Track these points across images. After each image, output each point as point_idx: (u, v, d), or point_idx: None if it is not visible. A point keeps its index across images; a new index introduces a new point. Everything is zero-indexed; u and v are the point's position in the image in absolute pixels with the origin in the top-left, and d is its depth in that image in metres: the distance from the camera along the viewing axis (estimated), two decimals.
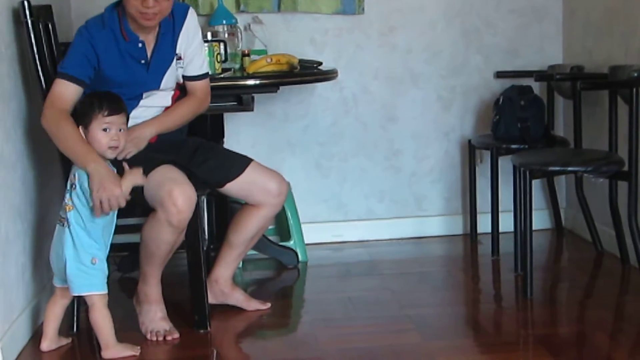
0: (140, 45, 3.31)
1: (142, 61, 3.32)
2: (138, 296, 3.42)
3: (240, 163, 3.48)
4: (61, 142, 3.15)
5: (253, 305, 3.61)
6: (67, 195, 3.10)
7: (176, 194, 3.13)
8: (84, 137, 3.10)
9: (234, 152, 3.59)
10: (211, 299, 3.47)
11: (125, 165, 3.14)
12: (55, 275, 3.17)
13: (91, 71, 3.23)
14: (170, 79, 3.42)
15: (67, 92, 3.18)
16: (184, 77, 3.47)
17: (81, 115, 3.12)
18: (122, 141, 3.14)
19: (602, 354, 3.08)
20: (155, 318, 3.35)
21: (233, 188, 3.45)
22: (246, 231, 3.52)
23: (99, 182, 3.02)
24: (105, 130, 3.09)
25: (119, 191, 3.03)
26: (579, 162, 3.74)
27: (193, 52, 3.45)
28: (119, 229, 3.50)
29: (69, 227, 3.06)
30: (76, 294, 3.12)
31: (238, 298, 3.60)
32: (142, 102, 3.36)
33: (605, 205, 4.07)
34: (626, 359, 3.04)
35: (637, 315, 3.46)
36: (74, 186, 3.08)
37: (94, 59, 3.22)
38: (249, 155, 3.56)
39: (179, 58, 3.42)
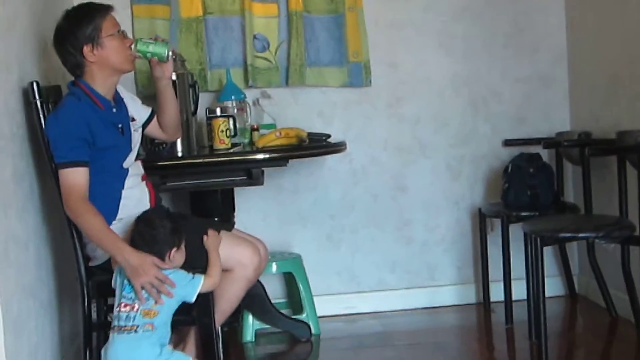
0: (114, 110, 3.35)
1: (120, 125, 3.36)
2: None
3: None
4: (88, 233, 3.19)
5: None
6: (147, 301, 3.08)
7: (255, 252, 3.38)
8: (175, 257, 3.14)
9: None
10: None
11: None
12: None
13: (88, 149, 3.21)
14: (135, 140, 3.43)
15: (77, 179, 3.17)
16: (144, 126, 3.55)
17: (177, 237, 3.15)
18: None
19: None
20: None
21: None
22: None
23: (132, 270, 3.07)
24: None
25: (154, 271, 3.06)
26: (590, 228, 3.73)
27: (135, 105, 3.53)
28: None
29: (147, 330, 3.03)
30: None
31: None
32: (130, 173, 3.37)
33: (618, 270, 4.05)
34: None
35: None
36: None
37: (88, 135, 3.20)
38: (260, 229, 3.54)
39: (133, 119, 3.46)
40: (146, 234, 3.11)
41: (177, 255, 3.15)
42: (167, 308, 3.06)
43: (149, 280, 3.06)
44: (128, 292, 3.09)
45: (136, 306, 3.05)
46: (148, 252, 3.09)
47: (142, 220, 3.16)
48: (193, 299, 3.10)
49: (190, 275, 3.12)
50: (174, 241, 3.13)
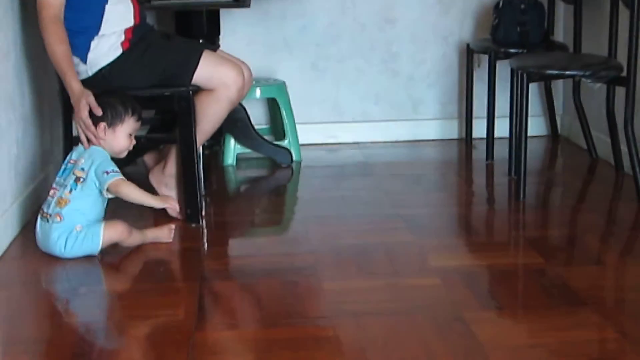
0: None
1: None
2: (166, 178, 3.47)
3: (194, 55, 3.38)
4: (49, 55, 3.16)
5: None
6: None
7: (239, 73, 3.33)
8: (104, 132, 3.08)
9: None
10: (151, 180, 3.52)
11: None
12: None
13: None
14: None
15: None
16: None
17: (111, 114, 3.09)
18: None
19: (592, 256, 3.09)
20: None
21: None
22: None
23: (73, 104, 3.13)
24: (130, 135, 3.14)
25: (84, 113, 3.07)
26: (578, 66, 3.70)
27: None
28: None
29: (55, 222, 2.99)
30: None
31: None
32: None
33: (602, 113, 4.04)
34: (615, 261, 3.07)
35: (628, 220, 3.47)
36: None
37: None
38: (245, 54, 3.52)
39: None
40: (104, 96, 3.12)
41: (109, 134, 3.09)
42: (78, 197, 3.00)
43: (78, 119, 3.10)
44: (59, 176, 3.09)
45: (57, 192, 3.03)
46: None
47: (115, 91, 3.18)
48: (104, 192, 3.01)
49: (112, 169, 3.03)
50: (111, 116, 3.09)
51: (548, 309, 2.59)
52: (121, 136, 3.12)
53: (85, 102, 3.08)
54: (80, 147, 3.12)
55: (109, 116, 3.09)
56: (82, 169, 3.03)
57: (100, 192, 3.02)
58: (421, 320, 2.51)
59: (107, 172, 3.00)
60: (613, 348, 2.38)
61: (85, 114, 3.07)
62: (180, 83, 3.30)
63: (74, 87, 3.12)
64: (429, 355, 2.28)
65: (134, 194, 3.05)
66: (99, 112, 3.07)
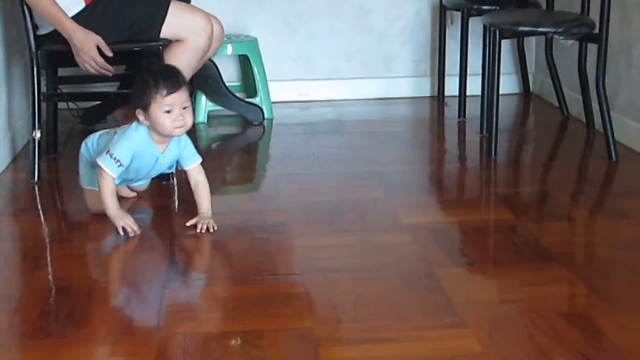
0: None
1: None
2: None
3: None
4: (35, 9, 3.18)
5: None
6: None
7: (208, 21, 3.37)
8: (144, 118, 2.79)
9: None
10: None
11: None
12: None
13: None
14: None
15: None
16: None
17: (138, 97, 2.79)
18: (188, 119, 2.81)
19: (562, 213, 3.10)
20: None
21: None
22: None
23: (76, 47, 3.16)
24: (168, 111, 2.77)
25: (94, 52, 3.15)
26: (550, 23, 3.69)
27: None
28: (88, 79, 3.61)
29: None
30: None
31: None
32: None
33: (574, 70, 4.04)
34: (585, 218, 3.08)
35: (598, 177, 3.49)
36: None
37: None
38: (216, 10, 3.52)
39: None
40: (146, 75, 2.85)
41: (147, 118, 2.79)
42: (104, 134, 2.98)
43: (87, 60, 3.16)
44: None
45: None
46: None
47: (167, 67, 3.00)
48: (94, 161, 2.86)
49: (113, 152, 2.79)
50: (138, 100, 2.80)
51: (518, 265, 2.60)
52: (158, 116, 2.76)
53: (93, 43, 3.16)
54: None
55: (136, 101, 2.83)
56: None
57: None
58: (392, 276, 2.51)
59: (108, 152, 2.81)
60: (582, 303, 2.39)
61: (95, 52, 3.17)
62: (149, 37, 3.28)
63: (74, 27, 3.16)
64: (399, 311, 2.29)
65: (104, 191, 2.82)
66: (109, 52, 3.19)
